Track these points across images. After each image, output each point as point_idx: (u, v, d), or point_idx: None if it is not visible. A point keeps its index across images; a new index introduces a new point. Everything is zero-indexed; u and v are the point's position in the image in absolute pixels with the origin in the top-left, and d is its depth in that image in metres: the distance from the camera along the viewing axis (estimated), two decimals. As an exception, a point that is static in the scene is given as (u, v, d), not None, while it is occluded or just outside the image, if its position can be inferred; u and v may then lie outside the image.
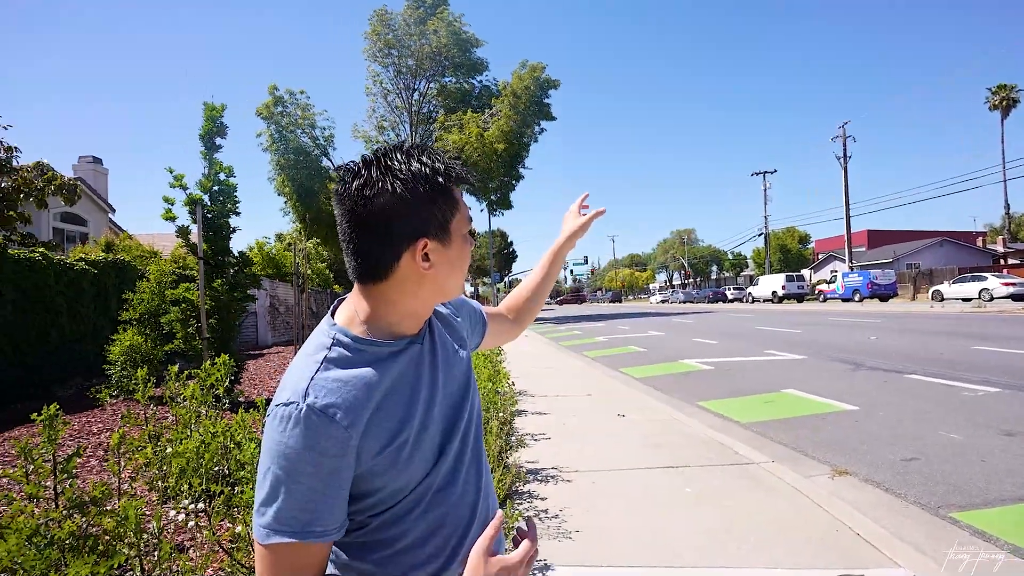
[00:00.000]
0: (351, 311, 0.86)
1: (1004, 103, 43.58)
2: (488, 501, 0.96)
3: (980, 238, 52.07)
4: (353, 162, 0.85)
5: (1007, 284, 25.82)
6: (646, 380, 8.65)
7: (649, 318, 27.00)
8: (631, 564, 2.73)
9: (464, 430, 0.92)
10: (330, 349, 0.81)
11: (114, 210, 20.12)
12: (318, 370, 0.79)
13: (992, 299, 25.77)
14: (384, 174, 0.80)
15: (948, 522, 3.22)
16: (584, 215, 1.38)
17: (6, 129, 9.27)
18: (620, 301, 77.30)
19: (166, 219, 6.01)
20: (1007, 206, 44.13)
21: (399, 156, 0.82)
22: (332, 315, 0.88)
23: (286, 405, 0.76)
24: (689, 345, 13.50)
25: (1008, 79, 43.66)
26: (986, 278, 27.24)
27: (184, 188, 6.08)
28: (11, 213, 8.95)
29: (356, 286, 0.87)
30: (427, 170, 0.81)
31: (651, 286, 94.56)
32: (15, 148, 9.31)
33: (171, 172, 6.02)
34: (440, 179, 0.82)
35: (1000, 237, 46.15)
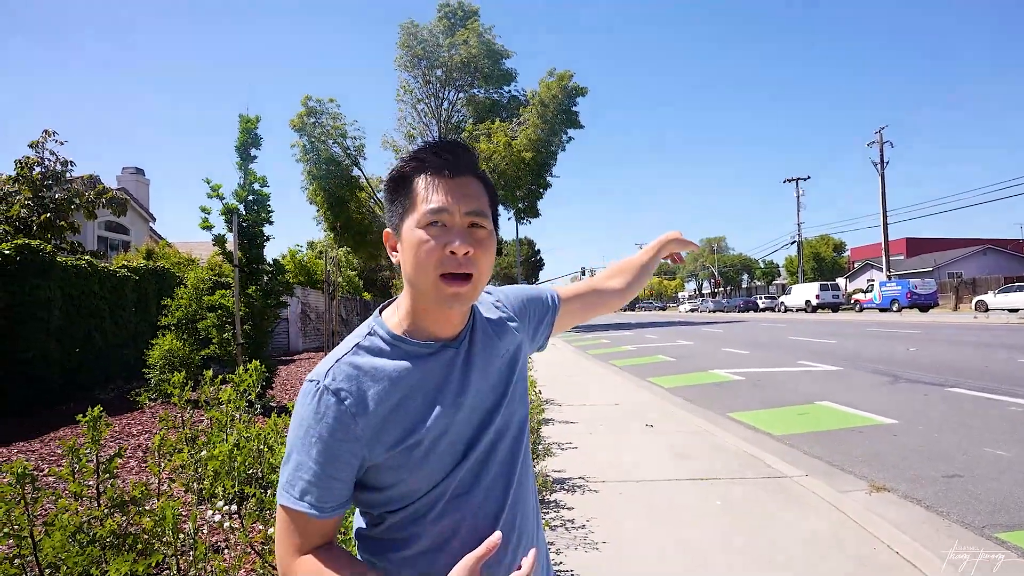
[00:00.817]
0: (394, 307, 0.92)
1: (1052, 105, 41.74)
2: (518, 515, 0.92)
3: (1027, 246, 49.89)
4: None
5: (1057, 294, 24.66)
6: (675, 390, 8.52)
7: (678, 327, 26.61)
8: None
9: (493, 439, 0.90)
10: (364, 338, 0.87)
11: (154, 219, 20.89)
12: (345, 355, 0.84)
13: (1041, 310, 24.62)
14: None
15: (995, 543, 3.08)
16: (685, 238, 1.44)
17: (62, 144, 9.75)
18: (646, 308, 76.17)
19: (203, 228, 6.21)
20: (1056, 212, 42.09)
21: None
22: (380, 312, 0.92)
23: (310, 381, 0.82)
24: (719, 355, 13.25)
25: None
26: (1034, 287, 26.07)
27: (220, 198, 6.28)
28: (62, 223, 9.38)
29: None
30: (393, 167, 0.88)
31: (680, 295, 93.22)
32: (71, 162, 9.77)
33: (208, 183, 6.24)
34: (394, 173, 0.87)
35: (1049, 245, 44.12)
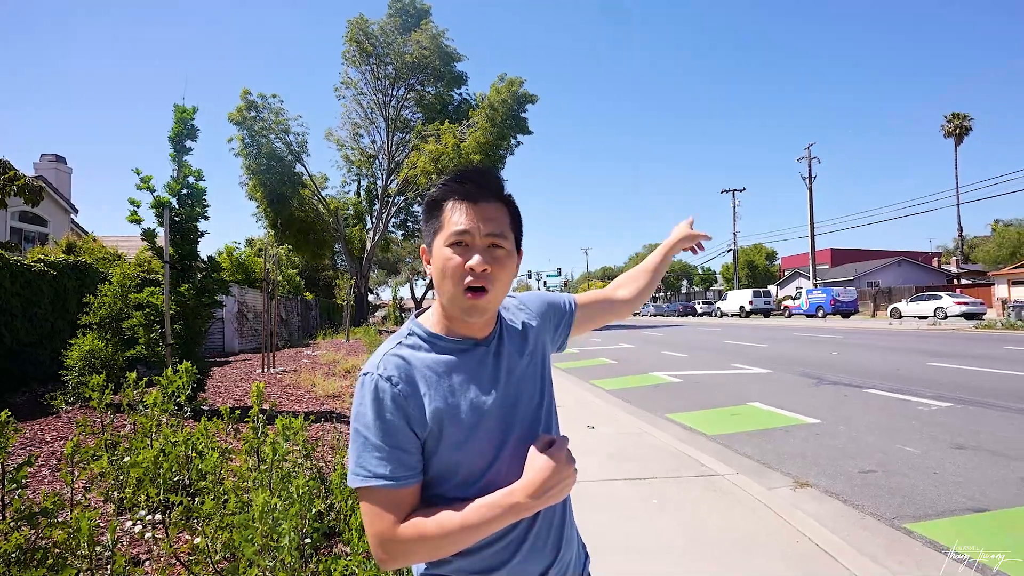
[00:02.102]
0: (429, 313, 1.05)
1: (957, 131, 45.72)
2: (554, 505, 0.99)
3: (935, 258, 54.27)
4: None
5: (960, 303, 26.98)
6: (616, 392, 8.73)
7: (620, 331, 27.28)
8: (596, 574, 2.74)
9: (529, 426, 1.02)
10: (406, 337, 1.00)
11: (77, 211, 19.48)
12: (391, 350, 0.97)
13: (946, 317, 26.84)
14: None
15: (903, 533, 3.33)
16: (695, 231, 1.51)
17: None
18: None
19: (131, 221, 5.84)
20: (960, 229, 46.16)
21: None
22: (416, 316, 1.06)
23: (365, 375, 0.95)
24: (659, 358, 13.68)
25: (962, 108, 45.84)
26: (941, 297, 28.40)
27: (151, 190, 5.93)
28: (-36, 211, 8.59)
29: None
30: (428, 193, 1.01)
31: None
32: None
33: (138, 173, 5.87)
34: (428, 199, 1.00)
35: (954, 258, 48.18)
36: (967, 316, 26.33)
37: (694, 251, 1.57)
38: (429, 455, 0.94)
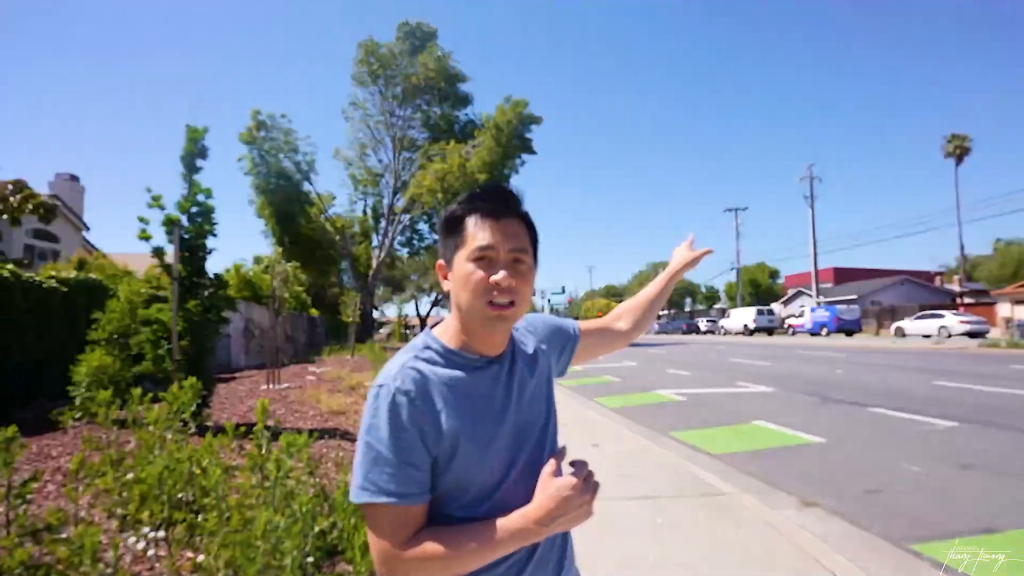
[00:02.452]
0: (444, 326, 1.03)
1: (958, 151, 45.80)
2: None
3: (937, 277, 54.03)
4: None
5: (964, 322, 26.80)
6: (620, 410, 8.69)
7: (624, 348, 27.17)
8: (600, 595, 2.72)
9: (537, 447, 1.02)
10: (422, 350, 0.98)
11: (88, 228, 19.74)
12: (407, 363, 0.95)
13: (950, 336, 26.65)
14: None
15: (911, 554, 3.30)
16: (695, 251, 1.52)
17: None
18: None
19: (141, 239, 5.93)
20: (961, 248, 45.97)
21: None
22: (431, 328, 1.05)
23: (380, 387, 0.92)
24: (663, 376, 13.62)
25: (962, 129, 46.08)
26: (944, 316, 28.24)
27: (162, 208, 6.03)
28: (-20, 229, 8.73)
29: None
30: (448, 209, 1.01)
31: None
32: (-8, 165, 9.14)
33: (149, 192, 5.98)
34: (448, 215, 1.01)
35: (956, 277, 47.94)
36: (971, 335, 26.12)
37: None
38: (439, 473, 0.92)
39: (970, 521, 3.75)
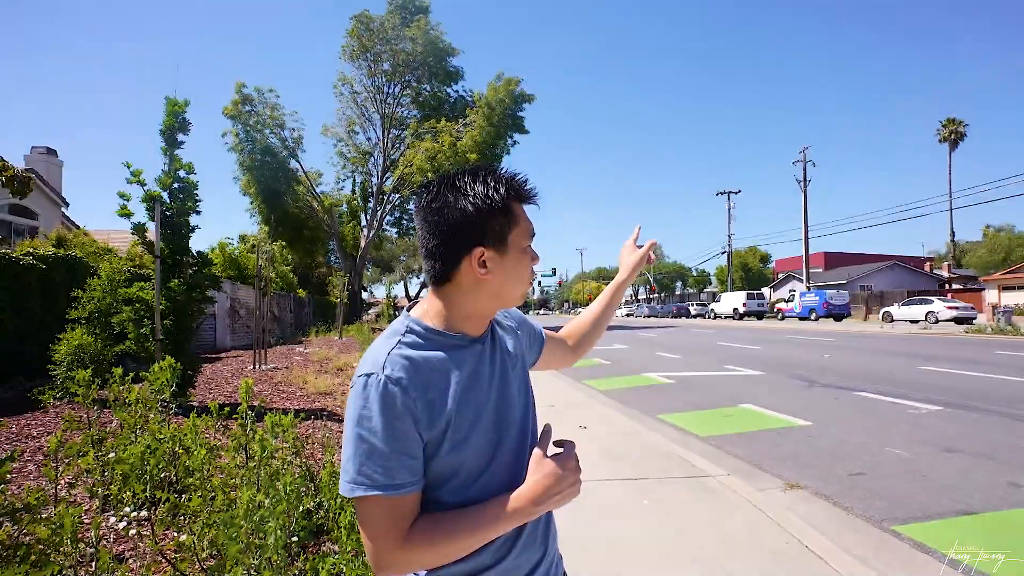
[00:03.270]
0: (424, 308, 1.00)
1: (952, 136, 46.05)
2: None
3: (927, 263, 54.69)
4: (430, 180, 0.99)
5: (951, 308, 27.20)
6: (609, 393, 8.73)
7: (614, 331, 27.32)
8: (584, 574, 2.73)
9: (523, 425, 1.02)
10: (404, 335, 0.95)
11: (67, 204, 19.29)
12: (393, 349, 0.92)
13: (937, 321, 27.05)
14: (450, 191, 0.94)
15: (891, 535, 3.34)
16: (640, 247, 1.45)
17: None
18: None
19: (121, 215, 5.78)
20: (952, 234, 46.52)
21: (466, 177, 0.95)
22: (408, 311, 1.02)
23: (367, 376, 0.89)
24: (652, 359, 13.70)
25: (958, 113, 46.26)
26: (932, 301, 28.63)
27: (142, 184, 5.87)
28: (-48, 203, 8.49)
29: (430, 287, 1.00)
30: (488, 190, 0.94)
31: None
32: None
33: (128, 167, 5.82)
34: (498, 197, 0.94)
35: (945, 263, 48.56)
36: (958, 321, 26.54)
37: (649, 261, 1.51)
38: (430, 457, 0.91)
39: (950, 503, 3.81)
